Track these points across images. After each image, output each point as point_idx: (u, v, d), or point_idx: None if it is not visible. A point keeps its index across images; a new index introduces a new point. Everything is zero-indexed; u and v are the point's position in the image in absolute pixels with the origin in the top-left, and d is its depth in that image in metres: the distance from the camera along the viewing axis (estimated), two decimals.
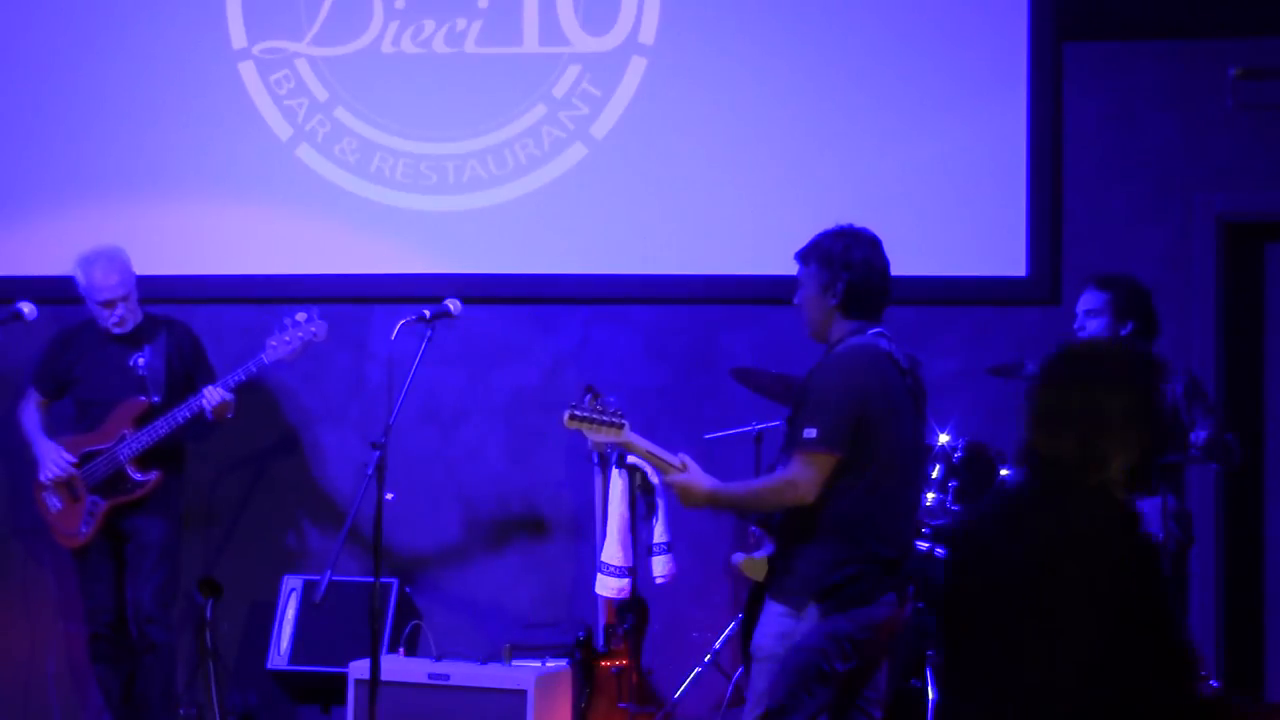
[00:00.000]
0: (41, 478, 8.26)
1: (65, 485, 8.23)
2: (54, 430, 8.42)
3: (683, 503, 6.24)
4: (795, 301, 6.24)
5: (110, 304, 8.21)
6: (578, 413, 6.18)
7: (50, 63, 9.28)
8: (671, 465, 6.12)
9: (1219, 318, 8.53)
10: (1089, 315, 7.79)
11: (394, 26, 9.09)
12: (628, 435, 6.17)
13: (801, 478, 5.91)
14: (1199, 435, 7.64)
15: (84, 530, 8.21)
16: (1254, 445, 8.43)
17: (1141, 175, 8.66)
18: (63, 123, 9.25)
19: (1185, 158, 8.63)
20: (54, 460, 8.24)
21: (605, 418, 6.17)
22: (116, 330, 8.29)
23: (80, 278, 8.26)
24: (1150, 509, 7.63)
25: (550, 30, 9.00)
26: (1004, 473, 7.74)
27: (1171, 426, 7.69)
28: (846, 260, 6.09)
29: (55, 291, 8.44)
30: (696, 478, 6.08)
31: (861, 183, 8.69)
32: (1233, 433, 7.78)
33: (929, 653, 7.37)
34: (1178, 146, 8.64)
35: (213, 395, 8.09)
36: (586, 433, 6.24)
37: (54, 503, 8.27)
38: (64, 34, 9.25)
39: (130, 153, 9.21)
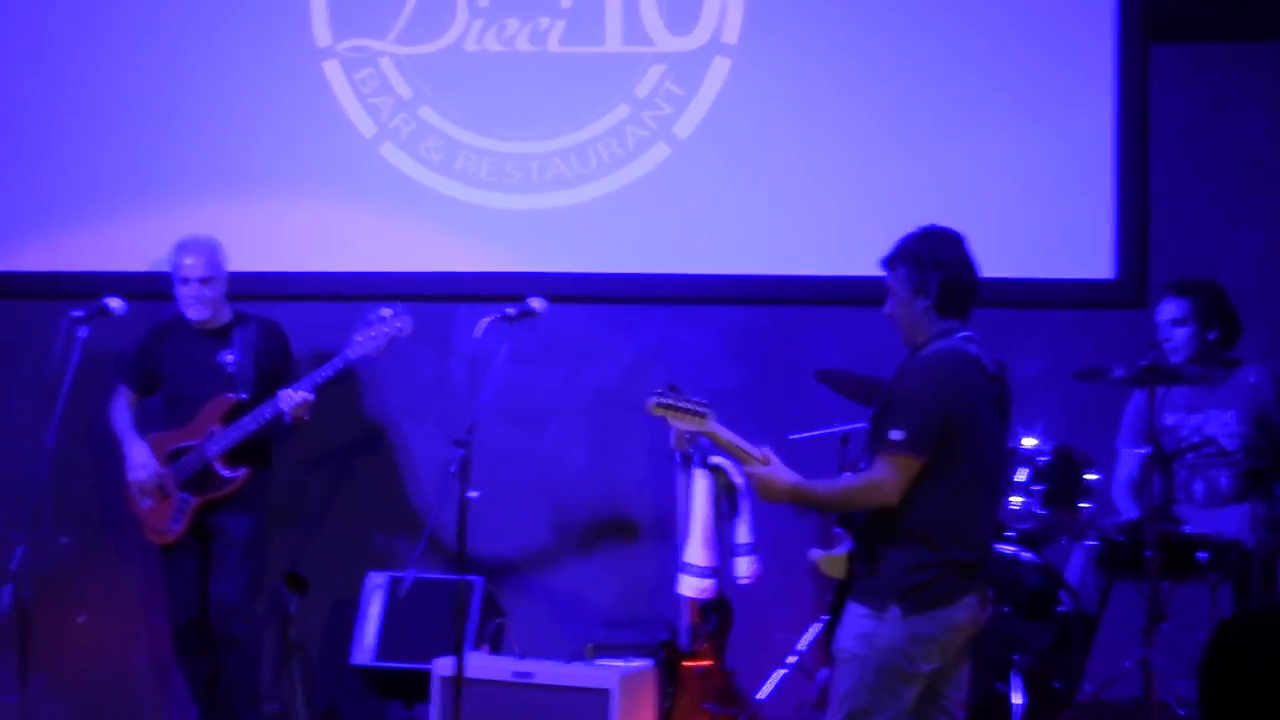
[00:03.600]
0: (129, 479, 8.36)
1: (154, 484, 8.33)
2: (142, 427, 8.49)
3: (761, 497, 6.24)
4: (886, 311, 6.22)
5: (188, 282, 8.35)
6: (662, 400, 6.21)
7: (139, 62, 9.34)
8: (753, 457, 6.13)
9: None
10: (1173, 325, 7.89)
11: (478, 25, 9.13)
12: (711, 424, 6.18)
13: (886, 480, 5.93)
14: None
15: (174, 527, 8.30)
16: None
17: (1231, 177, 8.69)
18: (150, 121, 9.32)
19: (1276, 159, 8.66)
20: (142, 464, 8.33)
21: (689, 405, 6.18)
22: (192, 316, 8.39)
23: (171, 258, 8.41)
24: (1238, 515, 7.71)
25: (633, 30, 9.04)
26: (1090, 477, 7.77)
27: (1270, 435, 7.84)
28: (937, 259, 6.09)
29: (143, 287, 8.56)
30: (778, 472, 6.10)
31: (946, 184, 8.72)
32: None
33: (1014, 657, 7.40)
34: (1268, 147, 8.67)
35: (289, 398, 8.16)
36: (670, 420, 6.26)
37: (145, 500, 8.35)
38: (152, 34, 9.33)
39: (216, 150, 9.28)
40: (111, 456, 8.59)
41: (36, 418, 7.58)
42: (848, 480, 6.35)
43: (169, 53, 9.34)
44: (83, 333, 7.51)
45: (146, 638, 9.08)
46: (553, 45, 9.12)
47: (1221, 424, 7.83)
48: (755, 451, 6.16)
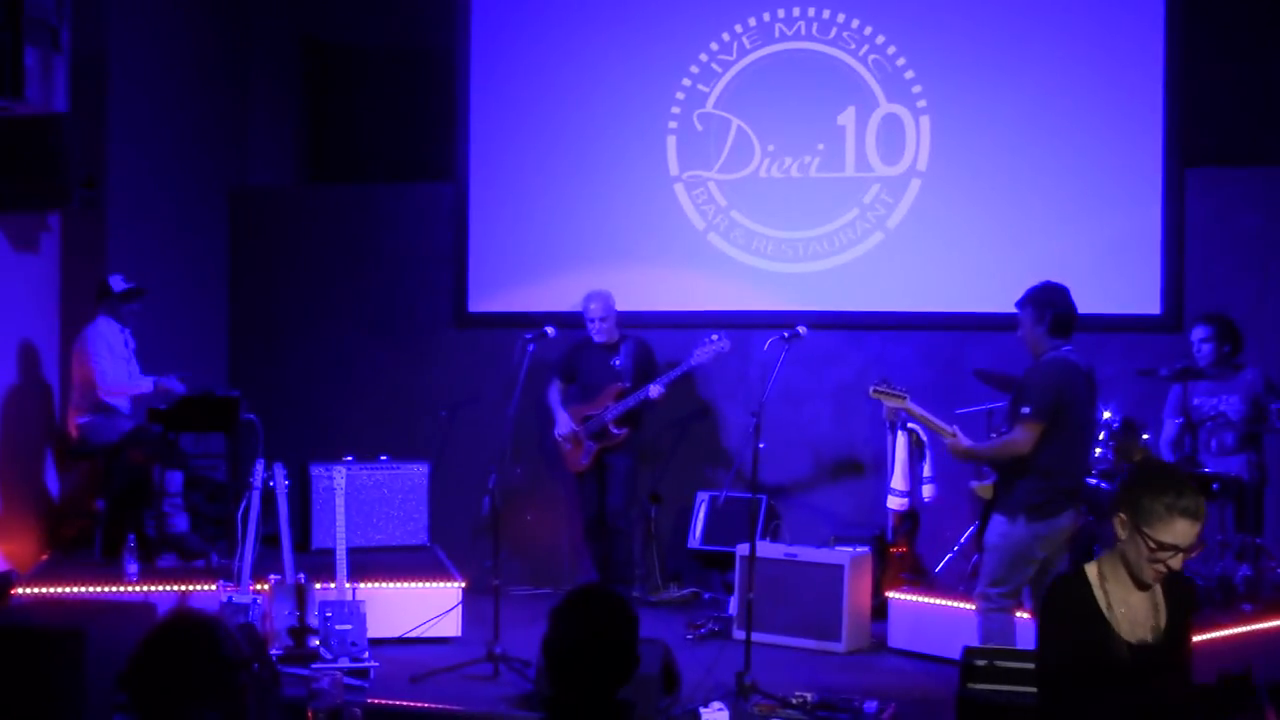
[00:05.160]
0: (557, 434, 8.64)
1: (572, 437, 8.59)
2: (567, 401, 8.68)
3: (952, 455, 6.40)
4: (1019, 335, 6.33)
5: (593, 319, 8.50)
6: (878, 388, 6.41)
7: (567, 184, 9.44)
8: (944, 429, 6.26)
9: None
10: (1202, 342, 7.78)
11: (767, 161, 9.17)
12: (910, 403, 6.31)
13: (1020, 439, 6.09)
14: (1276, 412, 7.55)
15: (584, 462, 8.56)
16: None
17: (1234, 252, 8.56)
18: (572, 219, 9.43)
19: (1260, 242, 8.51)
20: (565, 424, 8.58)
21: (895, 391, 6.34)
22: (596, 338, 8.53)
23: (583, 303, 8.59)
24: (1239, 462, 7.61)
25: (861, 162, 9.03)
26: (1145, 436, 7.55)
27: (1260, 411, 7.63)
28: (1050, 301, 6.20)
29: (566, 320, 8.60)
30: (962, 440, 6.30)
31: (1058, 254, 8.57)
32: None
33: (1095, 548, 7.01)
34: (1256, 234, 8.53)
35: (653, 390, 8.34)
36: (883, 400, 6.38)
37: (568, 446, 8.62)
38: (579, 168, 9.45)
39: (610, 237, 9.38)
40: (547, 420, 8.80)
41: (504, 397, 7.55)
42: (999, 441, 6.38)
43: (587, 178, 9.43)
44: (531, 348, 7.51)
45: (567, 528, 9.19)
46: (812, 173, 9.13)
47: (1230, 404, 7.71)
48: (945, 426, 6.25)
